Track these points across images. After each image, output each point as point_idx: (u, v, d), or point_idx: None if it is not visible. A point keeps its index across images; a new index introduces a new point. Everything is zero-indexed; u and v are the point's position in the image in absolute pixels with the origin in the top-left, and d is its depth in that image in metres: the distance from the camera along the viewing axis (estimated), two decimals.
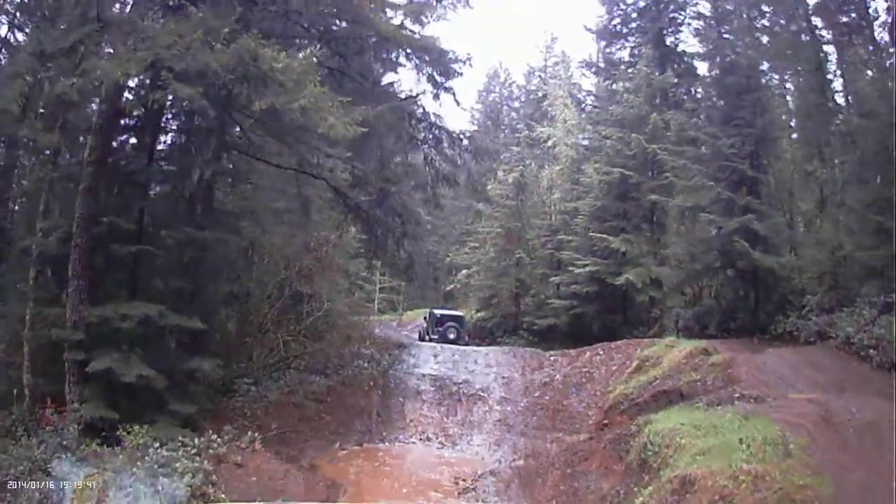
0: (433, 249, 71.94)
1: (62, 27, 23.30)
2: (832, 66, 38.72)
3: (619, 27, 60.09)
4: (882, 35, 35.48)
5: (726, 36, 47.57)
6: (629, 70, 51.55)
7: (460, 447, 28.69)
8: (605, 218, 45.87)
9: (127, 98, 25.82)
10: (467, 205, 65.34)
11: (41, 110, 26.15)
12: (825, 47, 38.57)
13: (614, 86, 54.50)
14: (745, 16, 42.68)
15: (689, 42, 59.61)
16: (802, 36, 38.51)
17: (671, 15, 55.46)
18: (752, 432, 17.09)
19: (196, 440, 20.66)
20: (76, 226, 23.35)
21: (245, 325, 33.21)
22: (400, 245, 33.97)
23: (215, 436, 21.39)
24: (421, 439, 29.29)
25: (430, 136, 32.48)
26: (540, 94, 73.90)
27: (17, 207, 31.68)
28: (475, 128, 77.46)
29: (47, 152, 26.79)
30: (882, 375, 23.41)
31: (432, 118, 32.17)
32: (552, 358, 36.27)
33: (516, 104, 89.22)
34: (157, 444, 19.80)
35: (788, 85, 45.73)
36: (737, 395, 22.13)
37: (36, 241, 24.61)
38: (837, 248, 32.01)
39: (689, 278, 39.16)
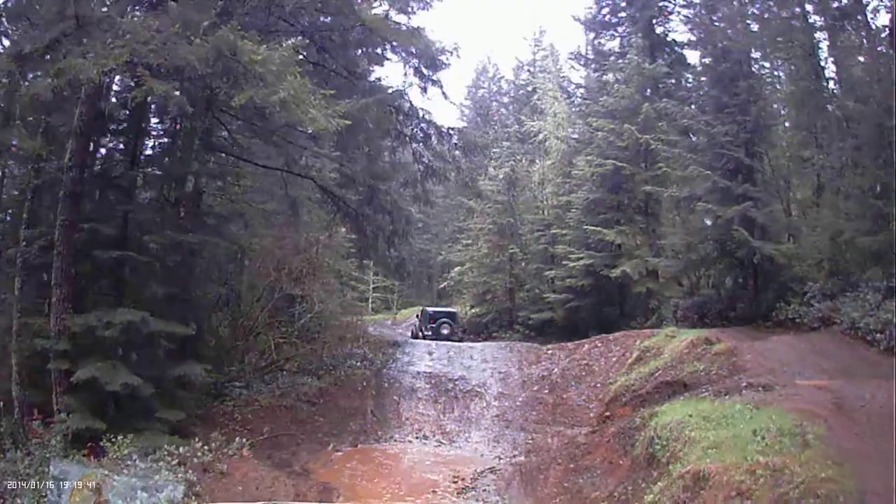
0: (425, 248, 71.98)
1: (39, 27, 22.73)
2: (823, 53, 38.42)
3: (607, 17, 59.34)
4: (874, 20, 35.13)
5: (717, 24, 47.15)
6: (619, 60, 50.96)
7: (458, 444, 28.03)
8: (599, 210, 45.66)
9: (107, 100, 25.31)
10: (458, 202, 65.04)
11: (29, 117, 25.85)
12: (816, 34, 38.18)
13: (604, 77, 53.98)
14: (735, 2, 42.23)
15: (678, 31, 59.40)
16: (794, 22, 38.05)
17: (660, 3, 54.85)
18: (765, 422, 16.26)
19: (181, 449, 19.93)
20: (57, 232, 22.74)
21: (236, 328, 32.72)
22: (391, 244, 33.48)
23: (200, 443, 20.53)
24: (417, 438, 28.63)
25: (419, 132, 31.97)
26: (529, 88, 73.57)
27: (8, 218, 31.05)
28: (464, 124, 76.96)
29: (32, 158, 26.14)
30: (890, 359, 22.85)
31: (420, 113, 31.57)
32: (549, 351, 35.88)
33: (505, 99, 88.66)
34: (141, 455, 19.13)
35: (777, 73, 45.68)
36: (744, 384, 21.40)
37: (20, 249, 24.10)
38: (837, 234, 31.64)
39: (686, 268, 38.74)
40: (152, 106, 27.32)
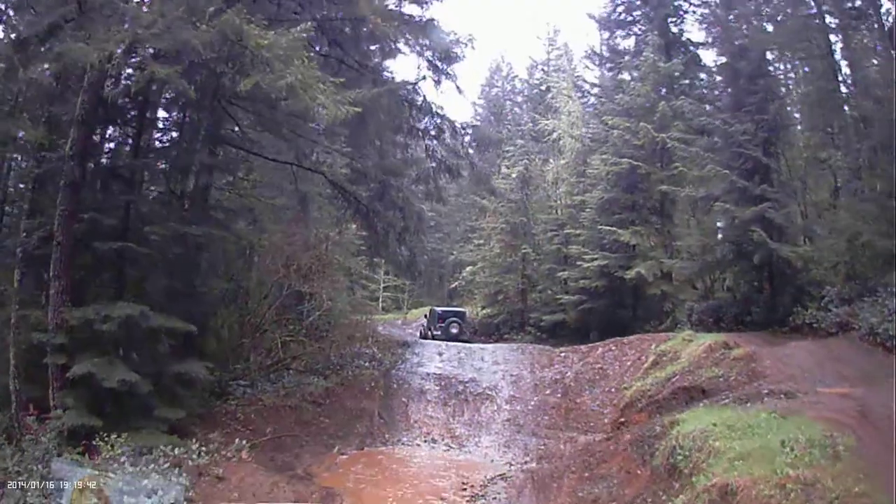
0: (437, 247, 71.55)
1: (39, 12, 22.16)
2: (839, 53, 37.86)
3: (622, 15, 58.85)
4: (887, 21, 34.52)
5: (733, 23, 46.62)
6: (634, 59, 50.43)
7: (468, 449, 27.44)
8: (614, 210, 44.95)
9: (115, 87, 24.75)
10: (471, 201, 64.53)
11: (32, 107, 25.35)
12: (832, 35, 37.70)
13: (620, 75, 53.63)
14: (751, 2, 41.66)
15: (692, 31, 58.91)
16: (810, 22, 37.49)
17: (676, 2, 54.23)
18: (793, 433, 15.38)
19: (176, 450, 19.17)
20: (57, 223, 22.09)
21: (243, 325, 32.04)
22: (402, 241, 32.91)
23: (196, 445, 19.72)
24: (426, 441, 28.07)
25: (432, 127, 31.26)
26: (543, 87, 73.07)
27: (15, 210, 30.56)
28: (478, 123, 76.48)
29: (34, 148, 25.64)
30: None
31: (434, 108, 30.78)
32: (562, 354, 35.15)
33: (519, 98, 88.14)
34: (135, 455, 18.43)
35: (791, 74, 45.30)
36: (765, 391, 20.65)
37: (20, 240, 23.56)
38: (855, 237, 30.84)
39: (702, 271, 38.14)
40: (161, 98, 27.12)
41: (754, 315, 32.79)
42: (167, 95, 27.22)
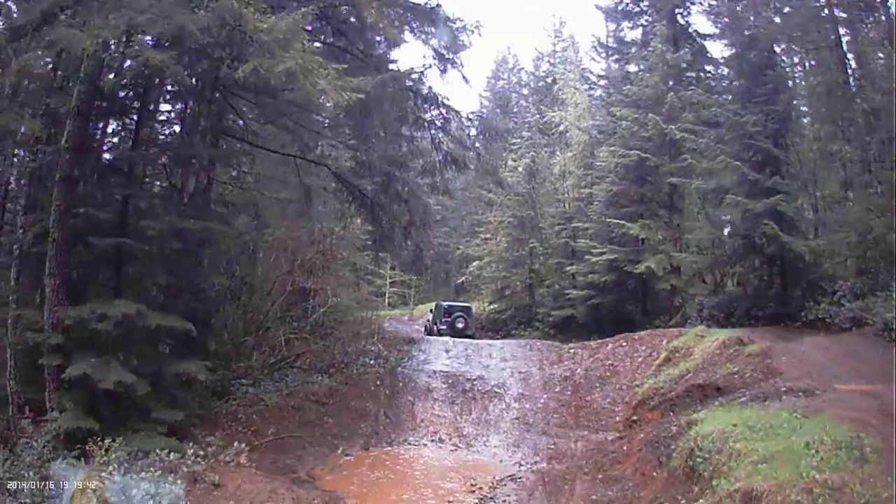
0: (444, 242, 71.37)
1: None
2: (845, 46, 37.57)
3: (629, 6, 58.61)
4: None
5: (742, 13, 46.22)
6: (642, 50, 50.11)
7: (476, 449, 26.68)
8: (622, 203, 44.68)
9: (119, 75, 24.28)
10: (478, 194, 64.48)
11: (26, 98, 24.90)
12: (840, 27, 37.36)
13: (627, 67, 53.35)
14: None
15: (699, 24, 58.57)
16: (818, 13, 37.09)
17: None
18: (818, 433, 14.63)
19: (171, 455, 18.54)
20: (52, 218, 21.50)
21: (246, 322, 31.53)
22: (407, 234, 32.31)
23: (193, 449, 19.19)
24: (433, 441, 27.33)
25: (438, 117, 30.70)
26: (549, 79, 72.98)
27: (17, 207, 30.15)
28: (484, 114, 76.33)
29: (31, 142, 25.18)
30: None
31: (440, 98, 30.24)
32: (571, 350, 34.56)
33: (525, 91, 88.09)
34: (130, 460, 17.81)
35: (799, 67, 45.03)
36: (783, 388, 20.04)
37: (16, 237, 23.11)
38: (866, 231, 30.63)
39: (712, 265, 37.75)
40: (163, 90, 26.73)
41: (766, 310, 32.29)
42: (169, 88, 26.79)
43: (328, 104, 25.88)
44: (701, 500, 14.43)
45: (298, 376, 29.57)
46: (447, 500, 20.41)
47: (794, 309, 30.72)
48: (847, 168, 36.08)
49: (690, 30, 53.97)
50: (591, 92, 63.84)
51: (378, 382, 30.68)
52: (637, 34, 58.60)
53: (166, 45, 19.82)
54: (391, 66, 30.27)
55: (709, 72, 52.33)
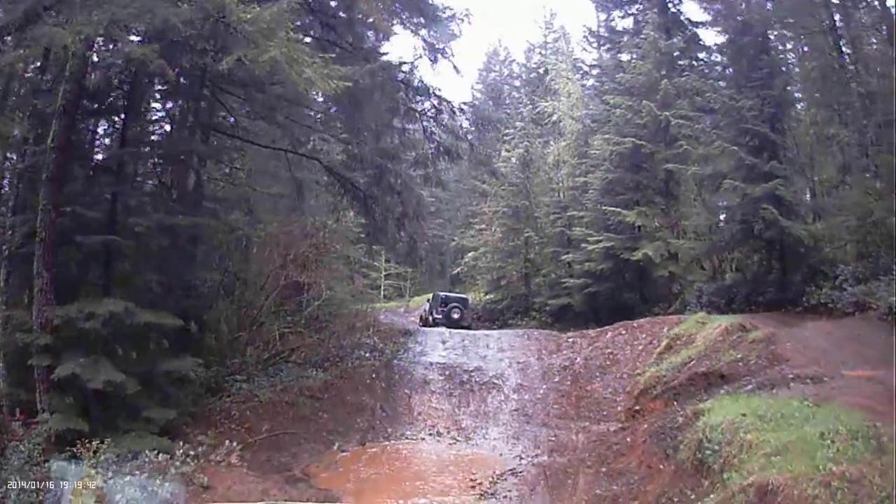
0: (438, 233, 71.10)
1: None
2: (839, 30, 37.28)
3: None
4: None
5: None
6: (634, 38, 49.84)
7: (475, 442, 26.32)
8: (618, 191, 44.23)
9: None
10: (471, 185, 64.27)
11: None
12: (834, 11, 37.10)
13: (619, 55, 53.09)
14: None
15: (691, 11, 58.34)
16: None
17: None
18: (831, 422, 14.22)
19: (160, 456, 18.27)
20: (40, 218, 21.33)
21: (239, 318, 31.26)
22: (400, 227, 32.12)
23: (182, 449, 18.94)
24: (430, 435, 26.95)
25: (429, 107, 30.52)
26: (541, 70, 72.82)
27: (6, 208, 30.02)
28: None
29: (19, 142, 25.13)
30: None
31: (431, 89, 30.10)
32: (570, 339, 34.31)
33: (517, 83, 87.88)
34: (120, 462, 17.52)
35: (792, 53, 44.49)
36: (789, 375, 19.64)
37: (5, 237, 23.07)
38: (865, 215, 30.16)
39: (710, 251, 37.51)
40: (152, 88, 26.74)
41: (766, 295, 32.03)
42: (159, 87, 26.76)
43: (319, 98, 25.77)
44: (712, 495, 14.00)
45: (293, 371, 29.36)
46: (446, 496, 20.06)
47: (794, 294, 30.46)
48: (844, 152, 35.60)
49: (682, 18, 53.57)
50: (584, 81, 63.47)
51: (374, 375, 30.32)
52: (628, 23, 58.15)
53: (150, 40, 19.60)
54: (381, 59, 30.05)
55: (702, 59, 51.91)
